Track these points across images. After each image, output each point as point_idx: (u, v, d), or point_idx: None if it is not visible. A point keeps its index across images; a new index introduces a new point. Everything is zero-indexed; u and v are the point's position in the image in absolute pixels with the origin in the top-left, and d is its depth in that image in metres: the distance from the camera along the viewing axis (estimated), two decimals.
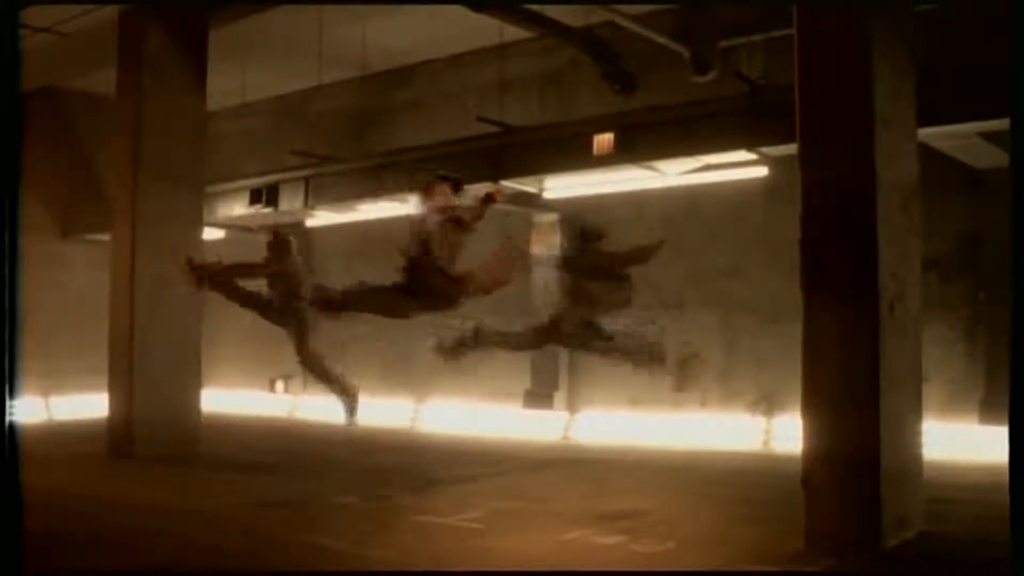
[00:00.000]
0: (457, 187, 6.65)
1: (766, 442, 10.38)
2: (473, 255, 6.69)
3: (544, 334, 6.91)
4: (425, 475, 8.63)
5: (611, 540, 5.77)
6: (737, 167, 9.32)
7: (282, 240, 7.77)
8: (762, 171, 9.23)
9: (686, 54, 10.97)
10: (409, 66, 14.08)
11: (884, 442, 5.36)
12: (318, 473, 8.98)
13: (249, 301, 7.84)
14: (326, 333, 15.52)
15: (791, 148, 6.20)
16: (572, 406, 12.12)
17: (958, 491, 7.12)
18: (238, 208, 12.60)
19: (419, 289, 6.40)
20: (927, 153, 7.21)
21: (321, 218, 12.84)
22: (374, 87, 14.48)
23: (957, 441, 8.88)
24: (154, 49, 10.17)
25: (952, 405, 9.51)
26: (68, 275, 14.92)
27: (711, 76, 10.92)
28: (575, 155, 9.57)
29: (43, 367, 13.72)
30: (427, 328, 7.07)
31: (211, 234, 12.58)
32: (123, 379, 9.94)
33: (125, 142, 10.25)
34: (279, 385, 15.70)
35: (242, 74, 13.44)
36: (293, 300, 7.60)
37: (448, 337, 6.88)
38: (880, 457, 5.34)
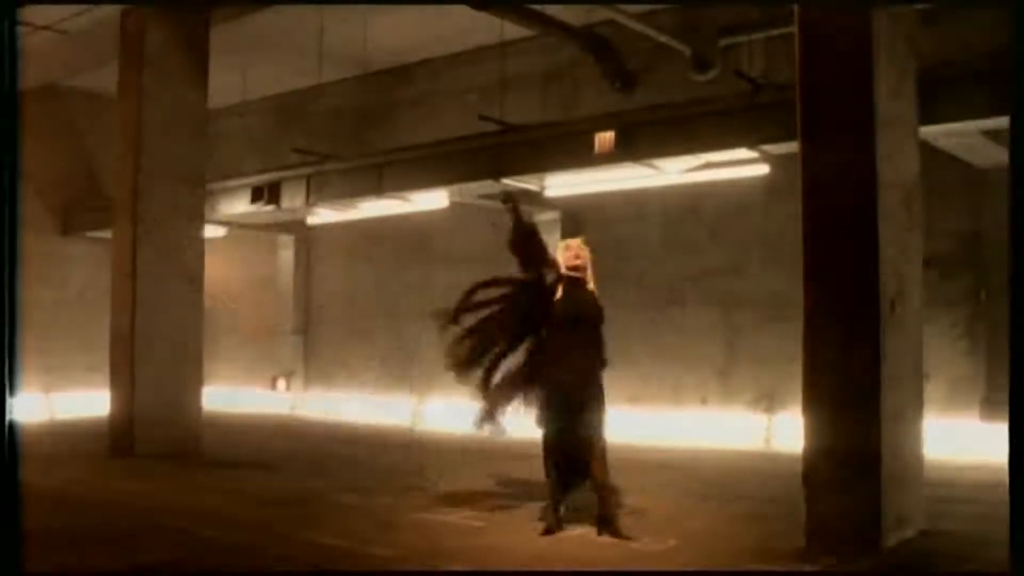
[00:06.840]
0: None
1: (767, 440, 10.39)
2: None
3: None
4: (426, 473, 8.64)
5: (612, 538, 5.77)
6: (738, 165, 9.31)
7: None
8: (763, 169, 9.23)
9: (687, 52, 10.99)
10: (410, 64, 14.09)
11: (885, 440, 5.36)
12: (319, 471, 8.98)
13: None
14: (326, 333, 15.59)
15: (792, 146, 6.19)
16: None
17: (959, 489, 7.13)
18: (240, 206, 12.62)
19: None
20: (928, 151, 7.20)
21: (322, 216, 12.85)
22: (375, 85, 14.50)
23: (958, 439, 8.88)
24: (155, 47, 10.16)
25: (953, 403, 9.52)
26: (69, 273, 14.96)
27: (712, 74, 10.94)
28: (576, 153, 9.57)
29: (44, 364, 13.78)
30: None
31: (212, 232, 12.60)
32: (124, 376, 9.94)
33: (126, 140, 10.24)
34: (280, 383, 15.73)
35: (243, 72, 13.46)
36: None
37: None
38: (881, 455, 5.33)
